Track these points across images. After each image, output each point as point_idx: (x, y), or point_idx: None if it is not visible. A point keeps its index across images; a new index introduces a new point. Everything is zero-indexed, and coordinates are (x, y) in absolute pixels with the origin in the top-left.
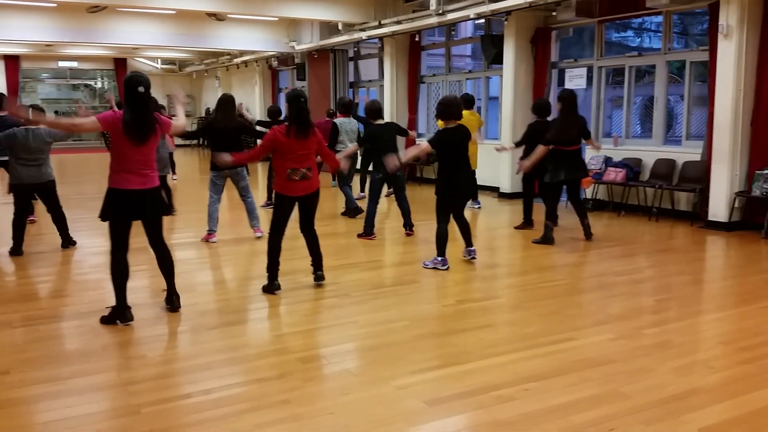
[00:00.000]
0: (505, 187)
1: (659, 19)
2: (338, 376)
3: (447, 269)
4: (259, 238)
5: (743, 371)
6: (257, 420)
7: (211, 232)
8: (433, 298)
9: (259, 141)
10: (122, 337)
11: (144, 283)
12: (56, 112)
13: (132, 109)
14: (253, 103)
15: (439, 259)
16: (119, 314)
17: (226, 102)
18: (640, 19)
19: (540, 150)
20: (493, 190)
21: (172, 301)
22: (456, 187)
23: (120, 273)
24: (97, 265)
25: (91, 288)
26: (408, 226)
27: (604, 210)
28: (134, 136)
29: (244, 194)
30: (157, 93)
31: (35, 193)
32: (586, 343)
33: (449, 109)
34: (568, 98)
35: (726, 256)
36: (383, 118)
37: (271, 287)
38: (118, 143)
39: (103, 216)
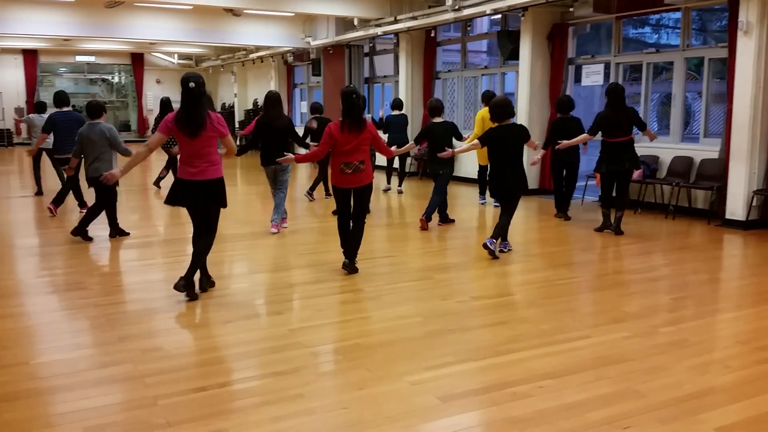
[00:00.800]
0: None
1: (677, 15)
2: (352, 371)
3: (508, 250)
4: (273, 234)
5: (760, 371)
6: (271, 413)
7: (282, 219)
8: (447, 294)
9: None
10: (138, 329)
11: (159, 276)
12: (74, 107)
13: (183, 104)
14: None
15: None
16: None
17: (274, 99)
18: (657, 15)
19: (581, 137)
20: None
21: (178, 287)
22: (494, 182)
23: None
24: (117, 258)
25: (108, 281)
26: (426, 215)
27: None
28: (185, 130)
29: (280, 187)
30: (175, 89)
31: (92, 186)
32: (601, 341)
33: (496, 109)
34: (612, 91)
35: (743, 255)
36: (441, 116)
37: (347, 266)
38: (177, 138)
39: (167, 200)
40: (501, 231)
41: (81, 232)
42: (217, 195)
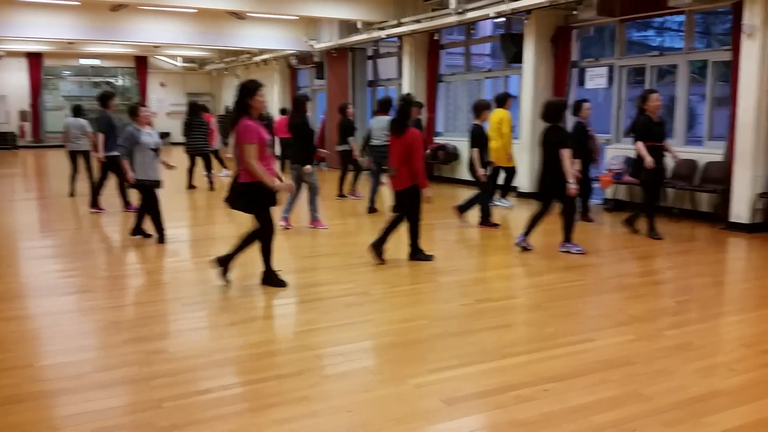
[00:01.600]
0: (524, 187)
1: (681, 18)
2: (356, 374)
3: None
4: (284, 226)
5: (765, 374)
6: (276, 416)
7: (317, 220)
8: (451, 297)
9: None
10: (144, 332)
11: (166, 278)
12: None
13: None
14: (272, 102)
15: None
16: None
17: (294, 101)
18: (661, 19)
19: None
20: (512, 189)
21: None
22: (537, 182)
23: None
24: (123, 261)
25: (113, 284)
26: (482, 218)
27: (625, 210)
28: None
29: (310, 188)
30: (179, 92)
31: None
32: (606, 344)
33: (541, 109)
34: (638, 97)
35: (748, 258)
36: (479, 118)
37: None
38: None
39: None
40: (530, 223)
41: (161, 233)
42: (234, 197)
